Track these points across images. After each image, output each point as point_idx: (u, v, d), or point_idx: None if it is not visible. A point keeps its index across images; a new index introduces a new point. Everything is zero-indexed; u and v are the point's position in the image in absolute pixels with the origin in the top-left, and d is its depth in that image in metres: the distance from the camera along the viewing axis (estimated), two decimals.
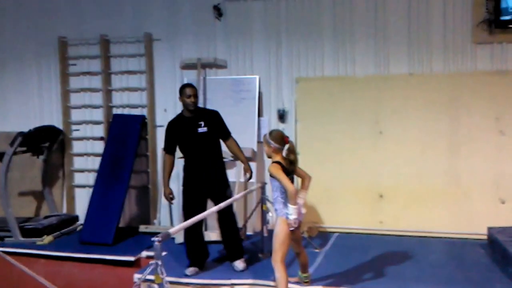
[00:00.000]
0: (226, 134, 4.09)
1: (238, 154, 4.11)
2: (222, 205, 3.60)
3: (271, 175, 3.24)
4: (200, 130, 3.94)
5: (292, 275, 3.59)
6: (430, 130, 4.86)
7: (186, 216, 3.82)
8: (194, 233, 3.99)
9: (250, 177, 4.17)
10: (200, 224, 3.98)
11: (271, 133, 3.34)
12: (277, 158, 3.27)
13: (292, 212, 3.17)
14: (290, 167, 3.28)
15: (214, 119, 4.03)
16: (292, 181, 3.28)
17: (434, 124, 4.85)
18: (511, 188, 4.68)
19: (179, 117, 4.08)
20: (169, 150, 4.07)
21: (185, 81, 5.43)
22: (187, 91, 3.93)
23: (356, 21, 5.08)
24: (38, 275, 4.27)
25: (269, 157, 3.33)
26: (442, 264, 4.08)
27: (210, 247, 4.23)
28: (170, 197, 4.07)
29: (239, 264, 3.97)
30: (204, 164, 3.96)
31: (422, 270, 3.92)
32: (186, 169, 4.08)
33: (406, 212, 4.91)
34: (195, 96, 3.97)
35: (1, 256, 2.77)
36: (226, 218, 4.02)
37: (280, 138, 3.27)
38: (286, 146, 3.29)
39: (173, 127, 4.06)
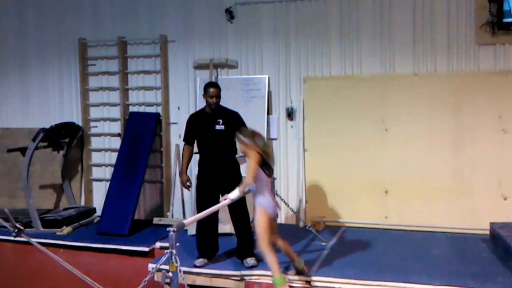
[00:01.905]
0: None
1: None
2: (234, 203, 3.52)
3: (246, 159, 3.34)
4: (218, 127, 3.90)
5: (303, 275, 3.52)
6: (435, 128, 4.76)
7: (199, 210, 3.77)
8: (206, 226, 3.93)
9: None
10: (213, 218, 3.90)
11: (242, 132, 3.38)
12: (257, 152, 3.30)
13: (234, 196, 3.24)
14: (269, 158, 3.33)
15: (233, 119, 3.96)
16: (271, 174, 3.34)
17: (438, 122, 4.75)
18: None
19: (200, 112, 4.07)
20: (188, 141, 4.06)
21: (198, 81, 5.41)
22: (210, 91, 3.90)
23: (363, 22, 5.00)
24: (58, 264, 4.25)
25: (245, 154, 3.36)
26: (445, 258, 3.99)
27: (221, 239, 4.15)
28: (187, 185, 4.05)
29: (250, 260, 3.87)
30: (219, 160, 3.91)
31: (425, 263, 3.84)
32: (200, 164, 4.03)
33: (411, 207, 4.82)
34: (218, 96, 3.93)
35: (36, 246, 2.79)
36: (238, 216, 3.94)
37: (252, 135, 3.33)
38: (261, 142, 3.32)
39: (193, 120, 4.05)
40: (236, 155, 4.08)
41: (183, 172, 4.04)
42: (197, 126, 4.00)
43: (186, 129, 4.08)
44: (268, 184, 3.36)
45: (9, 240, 4.86)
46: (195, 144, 4.07)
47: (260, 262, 3.79)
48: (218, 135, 3.90)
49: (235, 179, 3.87)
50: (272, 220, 3.37)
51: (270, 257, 3.28)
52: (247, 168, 3.28)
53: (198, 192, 3.99)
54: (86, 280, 2.73)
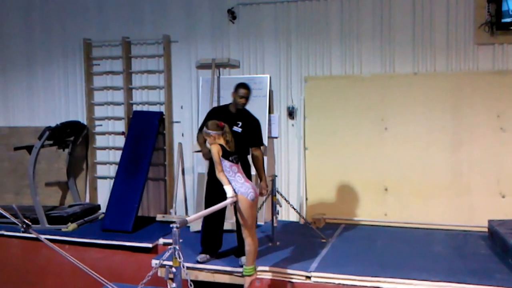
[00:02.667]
0: (256, 142, 3.91)
1: (259, 170, 3.91)
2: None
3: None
4: (235, 128, 3.83)
5: (299, 269, 3.50)
6: (434, 127, 4.75)
7: (207, 205, 3.74)
8: (212, 222, 3.90)
9: (267, 194, 4.03)
10: (219, 215, 3.88)
11: (207, 126, 3.40)
12: (220, 141, 3.34)
13: (227, 191, 3.25)
14: (230, 146, 3.37)
15: (252, 125, 3.90)
16: (237, 161, 3.38)
17: (437, 121, 4.74)
18: (511, 183, 4.55)
19: (223, 108, 3.99)
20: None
21: (200, 80, 5.41)
22: (240, 92, 3.83)
23: (363, 23, 4.99)
24: (63, 260, 4.25)
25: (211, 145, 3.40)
26: (444, 255, 3.98)
27: (224, 236, 4.14)
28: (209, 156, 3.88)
29: (244, 258, 3.83)
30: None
31: (424, 260, 3.82)
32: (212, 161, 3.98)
33: (410, 205, 4.81)
34: (247, 98, 3.86)
35: (46, 243, 2.80)
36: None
37: (216, 125, 3.37)
38: (225, 129, 3.38)
39: (215, 114, 3.95)
40: (248, 156, 4.01)
41: (202, 146, 3.89)
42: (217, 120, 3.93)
43: (206, 120, 3.95)
44: (239, 170, 3.36)
45: (15, 236, 4.88)
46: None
47: (260, 254, 3.80)
48: (234, 136, 3.85)
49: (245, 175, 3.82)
50: (254, 204, 3.34)
51: (250, 244, 3.34)
52: (214, 159, 3.31)
53: (207, 189, 3.95)
54: (94, 276, 2.73)
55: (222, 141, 3.34)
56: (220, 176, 3.30)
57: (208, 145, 3.41)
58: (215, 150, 3.29)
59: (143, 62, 5.73)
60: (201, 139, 3.94)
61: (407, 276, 3.46)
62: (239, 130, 3.84)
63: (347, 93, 5.01)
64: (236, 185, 3.28)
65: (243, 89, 3.86)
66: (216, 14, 5.41)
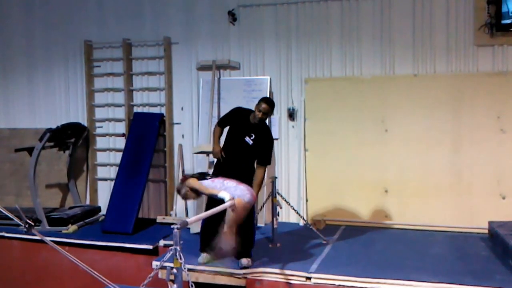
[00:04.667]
0: (263, 161, 3.89)
1: (255, 186, 3.83)
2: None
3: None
4: (247, 139, 3.82)
5: (300, 270, 3.50)
6: (434, 128, 4.75)
7: (208, 207, 3.73)
8: (212, 224, 3.89)
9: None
10: (218, 216, 3.88)
11: (179, 191, 3.50)
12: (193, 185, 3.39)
13: (225, 197, 3.27)
14: (195, 176, 3.48)
15: (265, 142, 3.87)
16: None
17: (437, 123, 4.74)
18: (511, 184, 4.55)
19: (247, 113, 3.92)
20: (221, 124, 4.02)
21: (201, 82, 5.43)
22: (261, 106, 3.79)
23: (363, 24, 4.99)
24: (64, 262, 4.26)
25: (198, 191, 3.44)
26: (444, 256, 3.98)
27: None
28: (221, 154, 3.91)
29: (244, 260, 3.83)
30: (235, 168, 3.80)
31: (425, 261, 3.83)
32: (217, 165, 4.00)
33: (410, 206, 4.81)
34: (265, 114, 3.81)
35: (48, 243, 2.81)
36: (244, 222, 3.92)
37: (181, 182, 3.46)
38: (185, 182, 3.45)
39: (237, 115, 3.94)
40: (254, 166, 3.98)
41: (215, 143, 3.96)
42: (235, 122, 3.92)
43: (226, 116, 3.99)
44: (223, 178, 3.39)
45: (16, 238, 4.89)
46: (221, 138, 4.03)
47: (254, 263, 3.81)
48: (243, 146, 3.82)
49: (248, 182, 3.80)
50: (249, 206, 3.37)
51: (229, 236, 3.31)
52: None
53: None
54: (97, 276, 2.73)
55: (193, 185, 3.39)
56: (209, 193, 3.34)
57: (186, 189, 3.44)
58: (194, 181, 3.36)
59: (144, 63, 5.74)
60: (218, 130, 4.00)
61: (407, 278, 3.46)
62: (250, 142, 3.81)
63: (347, 94, 5.02)
64: (230, 191, 3.28)
65: (265, 104, 3.80)
66: (217, 15, 5.41)
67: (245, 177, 3.77)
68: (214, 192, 3.31)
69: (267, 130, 3.96)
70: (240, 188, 3.30)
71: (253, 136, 3.82)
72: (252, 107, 4.01)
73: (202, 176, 3.45)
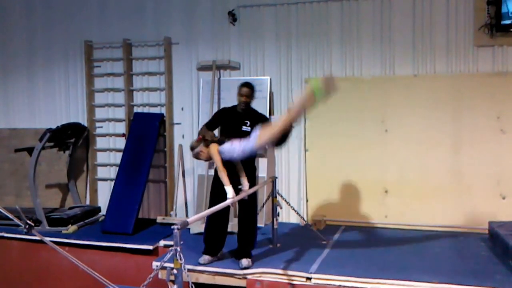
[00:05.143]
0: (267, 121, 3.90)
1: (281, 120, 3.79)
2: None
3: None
4: (244, 128, 3.84)
5: (300, 270, 3.49)
6: (434, 129, 4.75)
7: (211, 204, 3.71)
8: (216, 222, 3.89)
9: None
10: (223, 216, 3.87)
11: (193, 148, 3.62)
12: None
13: (228, 192, 3.40)
14: (214, 140, 3.63)
15: (260, 120, 3.86)
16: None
17: (437, 123, 4.74)
18: (511, 184, 4.55)
19: (232, 109, 3.97)
20: (210, 128, 3.99)
21: (201, 82, 5.42)
22: (242, 90, 3.85)
23: (363, 24, 5.00)
24: (64, 262, 4.26)
25: (209, 156, 3.56)
26: (444, 257, 3.98)
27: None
28: (212, 136, 3.88)
29: (245, 261, 3.83)
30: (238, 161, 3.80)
31: (425, 262, 3.83)
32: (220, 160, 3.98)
33: (410, 206, 4.81)
34: (248, 96, 3.85)
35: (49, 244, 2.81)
36: (245, 217, 3.91)
37: (197, 142, 3.59)
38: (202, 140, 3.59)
39: (222, 114, 3.98)
40: (255, 159, 4.00)
41: (207, 131, 3.92)
42: (225, 121, 3.93)
43: (212, 120, 4.00)
44: (234, 143, 3.46)
45: (16, 238, 4.88)
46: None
47: (255, 263, 3.81)
48: (243, 135, 3.77)
49: (250, 180, 3.81)
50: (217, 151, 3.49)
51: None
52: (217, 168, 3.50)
53: (212, 188, 3.92)
54: (97, 277, 2.72)
55: (212, 151, 3.49)
56: (221, 175, 3.36)
57: (203, 148, 3.53)
58: (214, 150, 3.43)
59: (144, 64, 5.74)
60: (203, 133, 3.96)
61: (408, 278, 3.46)
62: (248, 129, 3.83)
63: (347, 95, 4.98)
64: (253, 135, 3.37)
65: (244, 88, 3.87)
66: (217, 16, 5.42)
67: (248, 167, 3.79)
68: (224, 178, 3.40)
69: (257, 111, 4.00)
70: (246, 141, 3.39)
71: (249, 123, 3.85)
72: (253, 107, 4.01)
73: (220, 142, 3.51)
